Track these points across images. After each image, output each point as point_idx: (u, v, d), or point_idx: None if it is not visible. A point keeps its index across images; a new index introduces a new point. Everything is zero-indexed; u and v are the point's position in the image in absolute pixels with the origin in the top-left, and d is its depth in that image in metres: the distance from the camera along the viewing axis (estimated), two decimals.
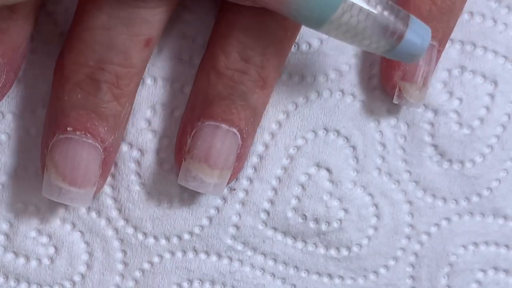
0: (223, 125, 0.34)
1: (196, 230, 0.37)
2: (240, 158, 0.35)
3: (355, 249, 0.38)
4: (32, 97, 0.35)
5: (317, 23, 0.30)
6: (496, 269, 0.39)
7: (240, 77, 0.33)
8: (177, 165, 0.35)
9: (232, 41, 0.33)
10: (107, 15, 0.31)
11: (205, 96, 0.34)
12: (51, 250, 0.37)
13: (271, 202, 0.37)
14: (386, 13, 0.30)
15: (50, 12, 0.35)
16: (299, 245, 0.38)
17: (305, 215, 0.37)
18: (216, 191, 0.35)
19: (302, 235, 0.38)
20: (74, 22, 0.32)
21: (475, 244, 0.39)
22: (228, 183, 0.35)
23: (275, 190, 0.37)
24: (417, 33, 0.31)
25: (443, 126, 0.37)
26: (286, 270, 0.38)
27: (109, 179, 0.36)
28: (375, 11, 0.30)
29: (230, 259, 0.38)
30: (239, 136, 0.34)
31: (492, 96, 0.37)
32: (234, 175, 0.36)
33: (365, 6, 0.30)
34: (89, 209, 0.37)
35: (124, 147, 0.36)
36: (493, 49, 0.37)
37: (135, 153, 0.36)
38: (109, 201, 0.37)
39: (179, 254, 0.37)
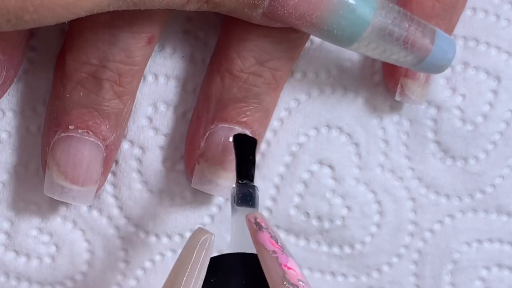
0: (237, 128, 0.34)
1: None
2: None
3: (358, 246, 0.38)
4: (32, 95, 0.35)
5: (347, 42, 0.31)
6: (500, 266, 0.39)
7: (255, 79, 0.33)
8: (188, 168, 0.35)
9: (249, 46, 0.33)
10: (110, 13, 0.31)
11: (219, 99, 0.34)
12: (52, 249, 0.36)
13: (274, 200, 0.37)
14: (413, 29, 0.31)
15: None
16: (302, 242, 0.38)
17: (307, 212, 0.37)
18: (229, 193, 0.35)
19: (305, 233, 0.38)
20: (75, 19, 0.32)
21: (479, 241, 0.39)
22: None
23: (277, 187, 0.37)
24: (443, 47, 0.32)
25: (446, 123, 0.37)
26: None
27: (110, 177, 0.36)
28: (402, 28, 0.31)
29: None
30: None
31: (495, 92, 0.37)
32: None
33: (392, 23, 0.31)
34: (90, 207, 0.36)
35: (125, 145, 0.36)
36: (496, 45, 0.37)
37: (137, 151, 0.36)
38: (110, 199, 0.36)
39: None
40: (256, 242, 0.28)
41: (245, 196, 0.31)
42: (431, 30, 0.32)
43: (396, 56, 0.32)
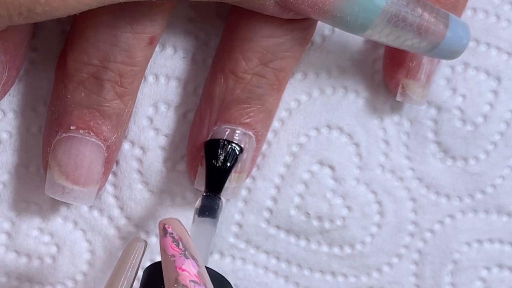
0: (240, 129, 0.34)
1: None
2: (253, 160, 0.35)
3: (358, 246, 0.38)
4: (33, 95, 0.35)
5: (360, 29, 0.31)
6: (500, 266, 0.39)
7: (258, 81, 0.33)
8: (191, 169, 0.35)
9: (254, 46, 0.33)
10: (112, 13, 0.31)
11: (222, 100, 0.34)
12: (53, 249, 0.36)
13: (274, 200, 0.37)
14: (426, 14, 0.31)
15: None
16: (302, 243, 0.38)
17: (308, 213, 0.37)
18: (233, 195, 0.35)
19: (305, 233, 0.38)
20: (77, 20, 0.32)
21: (479, 242, 0.39)
22: None
23: (278, 188, 0.37)
24: (457, 32, 0.32)
25: (446, 123, 0.37)
26: (289, 268, 0.38)
27: (111, 177, 0.36)
28: (415, 14, 0.31)
29: (233, 257, 0.38)
30: (254, 138, 0.34)
31: (495, 92, 0.37)
32: (247, 176, 0.36)
33: (405, 9, 0.31)
34: (91, 207, 0.36)
35: (126, 145, 0.36)
36: (496, 45, 0.37)
37: (137, 151, 0.36)
38: (111, 200, 0.36)
39: None
40: (160, 247, 0.29)
41: (204, 208, 0.33)
42: (445, 15, 0.32)
43: (410, 43, 0.32)
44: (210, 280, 0.29)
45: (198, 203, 0.34)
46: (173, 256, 0.29)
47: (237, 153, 0.34)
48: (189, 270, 0.29)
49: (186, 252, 0.29)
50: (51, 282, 0.37)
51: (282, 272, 0.38)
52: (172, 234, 0.29)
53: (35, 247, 0.36)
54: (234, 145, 0.34)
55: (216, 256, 0.37)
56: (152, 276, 0.32)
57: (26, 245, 0.36)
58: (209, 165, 0.34)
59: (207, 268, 0.31)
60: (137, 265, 0.32)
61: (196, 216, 0.33)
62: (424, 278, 0.39)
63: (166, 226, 0.30)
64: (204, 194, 0.34)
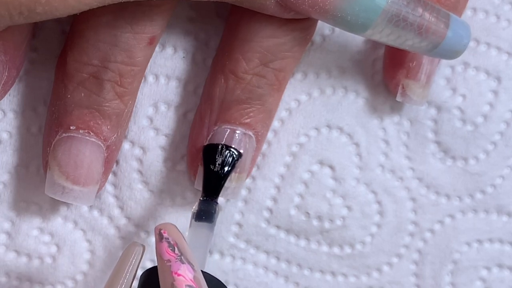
0: (240, 129, 0.34)
1: None
2: (253, 160, 0.35)
3: (358, 246, 0.38)
4: (33, 95, 0.35)
5: (361, 29, 0.31)
6: (500, 266, 0.39)
7: (258, 81, 0.33)
8: (191, 169, 0.35)
9: (254, 46, 0.33)
10: (112, 13, 0.31)
11: (222, 100, 0.34)
12: (53, 249, 0.36)
13: (274, 200, 0.37)
14: (427, 14, 0.31)
15: None
16: (302, 243, 0.38)
17: (308, 213, 0.37)
18: (233, 195, 0.35)
19: (305, 233, 0.38)
20: (77, 20, 0.32)
21: (479, 241, 0.39)
22: None
23: (278, 188, 0.37)
24: (458, 31, 0.32)
25: (446, 123, 0.37)
26: (289, 268, 0.38)
27: (111, 177, 0.36)
28: (416, 13, 0.31)
29: (233, 257, 0.38)
30: (254, 139, 0.34)
31: (495, 92, 0.37)
32: (247, 177, 0.36)
33: (406, 8, 0.31)
34: (91, 207, 0.36)
35: (126, 145, 0.36)
36: (496, 45, 0.37)
37: (137, 151, 0.36)
38: (111, 199, 0.36)
39: None
40: (156, 252, 0.30)
41: (201, 212, 0.33)
42: (446, 15, 0.32)
43: (411, 42, 0.32)
44: (206, 284, 0.29)
45: (195, 207, 0.34)
46: (169, 261, 0.29)
47: (235, 158, 0.34)
48: (185, 275, 0.29)
49: (182, 257, 0.29)
50: (51, 282, 0.37)
51: (282, 272, 0.38)
52: (168, 239, 0.30)
53: (35, 247, 0.36)
54: (232, 150, 0.34)
55: (216, 256, 0.37)
56: (149, 281, 0.32)
57: (26, 245, 0.36)
58: (207, 170, 0.34)
59: (203, 272, 0.31)
60: (135, 270, 0.32)
61: (193, 220, 0.33)
62: (424, 278, 0.39)
63: (162, 231, 0.30)
64: (201, 198, 0.34)
